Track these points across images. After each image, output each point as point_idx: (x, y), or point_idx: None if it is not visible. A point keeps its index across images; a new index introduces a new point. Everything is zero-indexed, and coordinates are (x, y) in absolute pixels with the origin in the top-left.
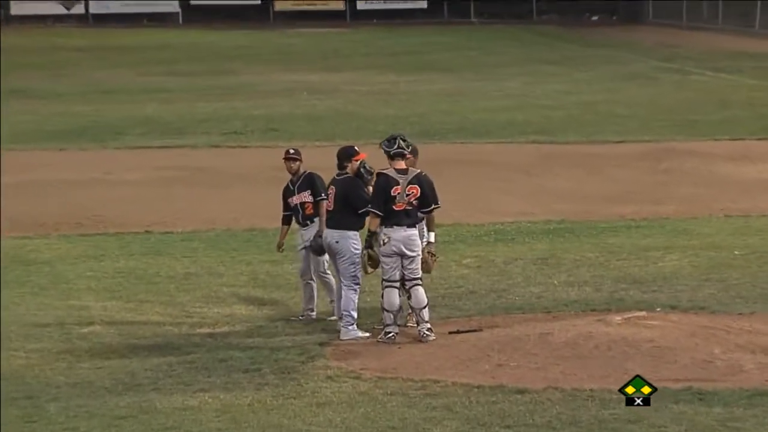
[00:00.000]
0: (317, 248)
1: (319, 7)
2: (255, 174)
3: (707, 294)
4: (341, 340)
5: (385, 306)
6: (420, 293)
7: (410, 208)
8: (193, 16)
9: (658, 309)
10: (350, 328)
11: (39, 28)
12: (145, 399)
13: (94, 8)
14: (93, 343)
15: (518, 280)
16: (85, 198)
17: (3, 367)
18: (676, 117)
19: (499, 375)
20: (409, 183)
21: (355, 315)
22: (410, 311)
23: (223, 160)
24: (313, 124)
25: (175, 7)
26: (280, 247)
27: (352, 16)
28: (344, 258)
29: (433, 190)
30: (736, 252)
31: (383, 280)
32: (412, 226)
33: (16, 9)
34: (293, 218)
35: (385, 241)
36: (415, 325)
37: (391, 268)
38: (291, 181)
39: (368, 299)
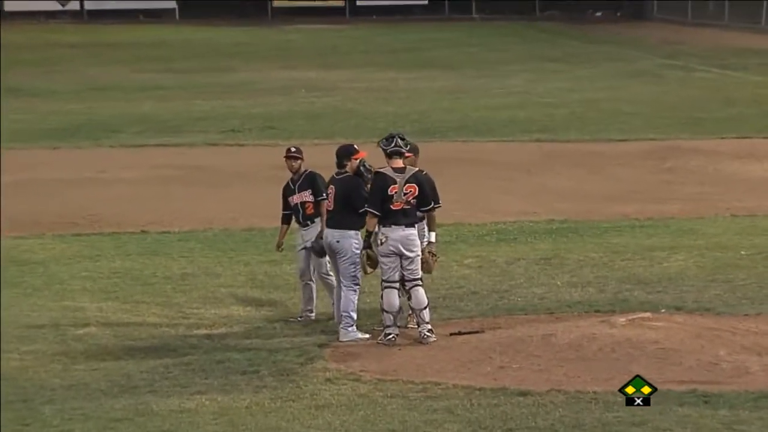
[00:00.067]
0: (319, 250)
1: (318, 3)
2: (253, 173)
3: (713, 295)
4: (340, 341)
5: (385, 307)
6: (420, 294)
7: (408, 207)
8: (189, 12)
9: (663, 310)
10: (350, 329)
11: (32, 24)
12: (141, 401)
13: (89, 4)
14: (88, 345)
15: (520, 280)
16: (80, 197)
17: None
18: (681, 115)
19: (501, 377)
20: (407, 182)
21: (355, 316)
22: (410, 312)
23: (221, 158)
24: (312, 122)
25: (171, 3)
26: (279, 246)
27: (351, 12)
28: (345, 258)
29: (434, 189)
30: (742, 252)
31: (382, 280)
32: (410, 225)
33: (9, 5)
34: (293, 218)
35: (383, 240)
36: (416, 326)
37: (390, 268)
38: (292, 179)
39: (368, 300)
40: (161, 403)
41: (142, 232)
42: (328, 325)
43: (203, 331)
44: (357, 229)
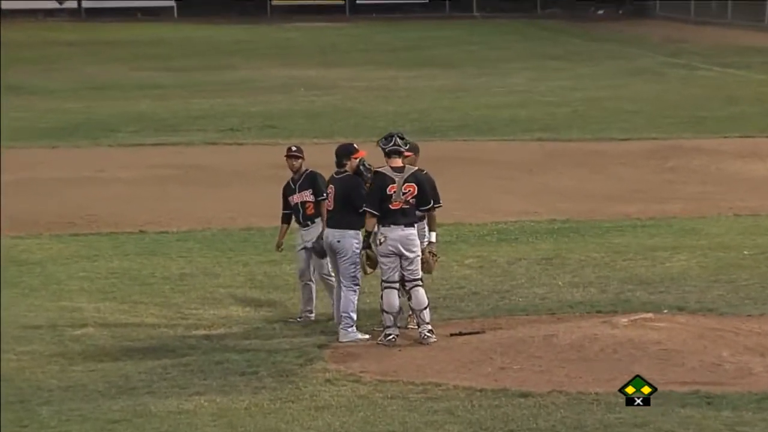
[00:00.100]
0: (320, 251)
1: (318, 1)
2: (252, 172)
3: (716, 295)
4: (340, 342)
5: (385, 307)
6: (420, 294)
7: (407, 206)
8: (187, 9)
9: (666, 310)
10: (349, 330)
11: (30, 22)
12: (139, 402)
13: (86, 2)
14: (86, 346)
15: (522, 280)
16: (78, 197)
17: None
18: (683, 114)
19: (502, 378)
20: (406, 181)
21: (355, 317)
22: (411, 313)
23: (219, 157)
24: (312, 120)
25: (169, 1)
26: (279, 246)
27: (351, 10)
28: (345, 258)
29: (434, 188)
30: (745, 252)
31: (382, 281)
32: (409, 225)
33: (6, 3)
34: (293, 217)
35: (382, 240)
36: (416, 327)
37: (389, 268)
38: (292, 179)
39: (368, 301)
40: (159, 405)
41: (140, 231)
42: (327, 326)
43: (202, 332)
44: (357, 228)
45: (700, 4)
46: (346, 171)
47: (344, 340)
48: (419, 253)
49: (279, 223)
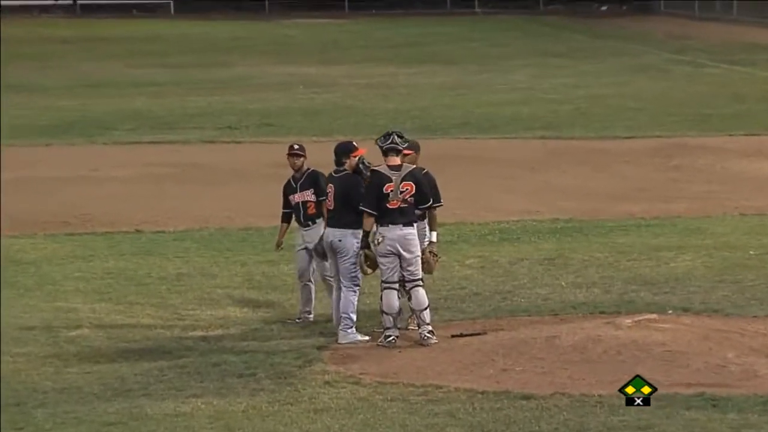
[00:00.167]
0: (322, 252)
1: None
2: (250, 170)
3: (721, 296)
4: (340, 343)
5: (384, 308)
6: (420, 294)
7: (405, 205)
8: (184, 6)
9: (670, 311)
10: (349, 331)
11: (24, 18)
12: (135, 405)
13: None
14: (81, 347)
15: (524, 281)
16: (73, 196)
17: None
18: (688, 111)
19: (504, 380)
20: (403, 180)
21: (354, 318)
22: (411, 314)
23: (217, 155)
24: (310, 118)
25: None
26: (279, 245)
27: (350, 6)
28: (346, 257)
29: (434, 187)
30: (751, 252)
31: (382, 281)
32: (408, 224)
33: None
34: (293, 216)
35: (380, 240)
36: (416, 328)
37: (388, 269)
38: (293, 177)
39: (368, 301)
40: (156, 407)
41: (136, 231)
42: (326, 327)
43: (199, 333)
44: (358, 228)
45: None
46: (345, 169)
47: (343, 342)
48: (419, 253)
49: (278, 222)
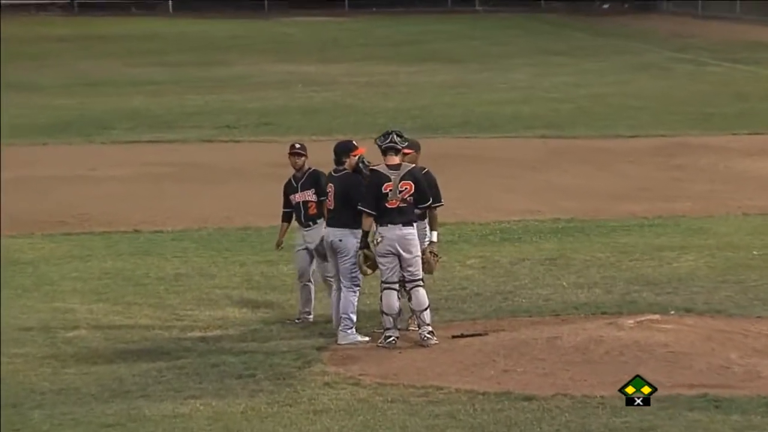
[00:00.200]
0: (323, 253)
1: None
2: (249, 170)
3: (724, 296)
4: (339, 344)
5: (384, 309)
6: (421, 295)
7: (404, 205)
8: (183, 4)
9: (673, 312)
10: (349, 331)
11: (22, 16)
12: (133, 406)
13: None
14: (79, 348)
15: (525, 281)
16: (70, 195)
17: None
18: (691, 110)
19: (505, 381)
20: (402, 179)
21: (354, 318)
22: (411, 314)
23: (215, 155)
24: (309, 117)
25: None
26: (279, 245)
27: (350, 4)
28: (346, 257)
29: (435, 186)
30: (754, 252)
31: (381, 282)
32: (407, 224)
33: None
34: (294, 216)
35: (378, 240)
36: (417, 328)
37: (388, 269)
38: (294, 176)
39: (368, 302)
40: (154, 408)
41: (134, 231)
42: (326, 328)
43: (197, 334)
44: (358, 227)
45: None
46: (345, 169)
47: (343, 342)
48: (418, 253)
49: (276, 222)
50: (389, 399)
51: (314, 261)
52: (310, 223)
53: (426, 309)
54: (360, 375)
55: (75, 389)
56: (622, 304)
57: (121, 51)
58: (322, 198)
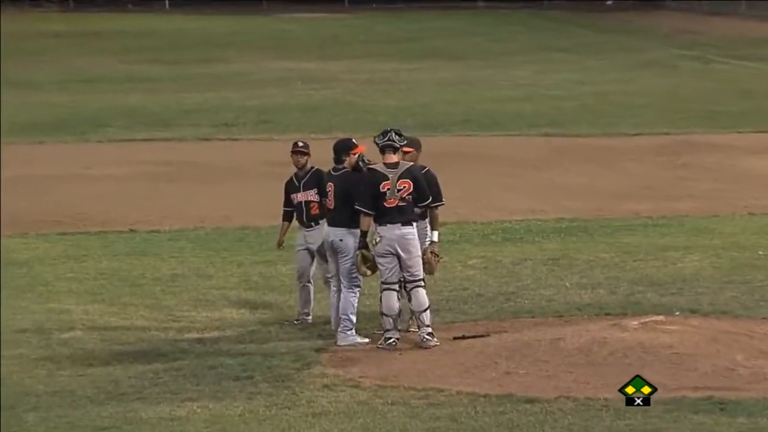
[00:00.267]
0: (325, 254)
1: None
2: (247, 168)
3: (729, 297)
4: (339, 345)
5: (384, 310)
6: (420, 295)
7: (403, 204)
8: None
9: (677, 313)
10: (348, 333)
11: (16, 12)
12: (129, 409)
13: None
14: (74, 350)
15: (527, 282)
16: (65, 194)
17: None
18: (696, 108)
19: (507, 383)
20: (400, 177)
21: (354, 319)
22: (411, 315)
23: (213, 153)
24: (309, 115)
25: None
26: (280, 245)
27: (350, 0)
28: (347, 257)
29: (436, 185)
30: (760, 252)
31: (381, 282)
32: (407, 224)
33: None
34: (295, 215)
35: (377, 240)
36: (417, 329)
37: (387, 269)
38: (296, 175)
39: (368, 303)
40: (150, 411)
41: (130, 231)
42: (325, 329)
43: (194, 335)
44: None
45: None
46: (344, 167)
47: (343, 344)
48: (418, 254)
49: (275, 222)
50: (389, 401)
51: (315, 261)
52: (312, 223)
53: (425, 310)
54: (360, 377)
55: (70, 391)
56: (626, 305)
57: (117, 47)
58: (325, 198)
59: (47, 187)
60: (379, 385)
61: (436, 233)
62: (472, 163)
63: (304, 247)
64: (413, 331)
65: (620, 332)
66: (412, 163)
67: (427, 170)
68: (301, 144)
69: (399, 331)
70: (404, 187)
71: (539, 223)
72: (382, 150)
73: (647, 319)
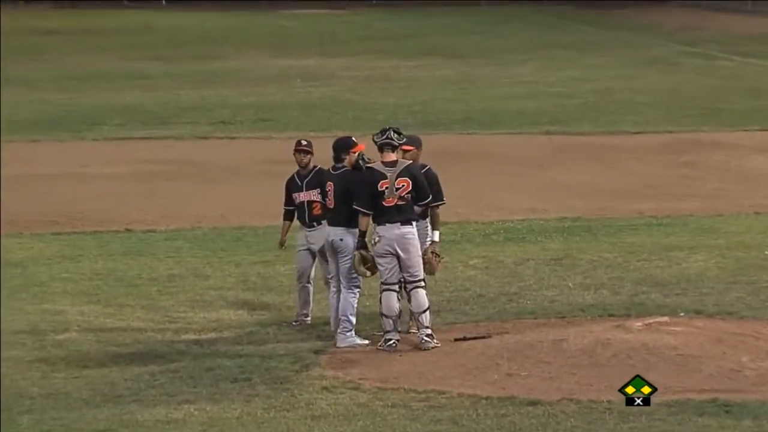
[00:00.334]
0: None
1: None
2: (245, 167)
3: (735, 297)
4: (338, 347)
5: (384, 311)
6: (420, 296)
7: (402, 203)
8: None
9: (682, 314)
10: (348, 334)
11: (10, 9)
12: (125, 411)
13: None
14: (69, 351)
15: (530, 282)
16: (60, 194)
17: None
18: (701, 105)
19: (509, 385)
20: (399, 176)
21: (354, 320)
22: (412, 316)
23: (210, 152)
24: (307, 113)
25: None
26: (282, 244)
27: None
28: (347, 257)
29: (436, 184)
30: (766, 252)
31: (381, 283)
32: (406, 223)
33: None
34: (296, 214)
35: (376, 240)
36: (417, 330)
37: (387, 269)
38: (298, 174)
39: (367, 303)
40: (147, 413)
41: (126, 230)
42: (324, 330)
43: (191, 337)
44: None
45: None
46: (344, 166)
47: (342, 345)
48: (418, 253)
49: (273, 222)
50: (389, 404)
51: (315, 262)
52: (314, 223)
53: (425, 311)
54: (359, 379)
55: (65, 394)
56: (630, 306)
57: (114, 45)
58: (325, 198)
59: (42, 186)
60: (379, 387)
61: (436, 233)
62: (473, 162)
63: (305, 247)
64: (413, 333)
65: (624, 333)
66: (410, 162)
67: (428, 169)
68: (304, 143)
69: (399, 332)
70: (403, 185)
71: (541, 222)
72: (381, 148)
73: (651, 320)
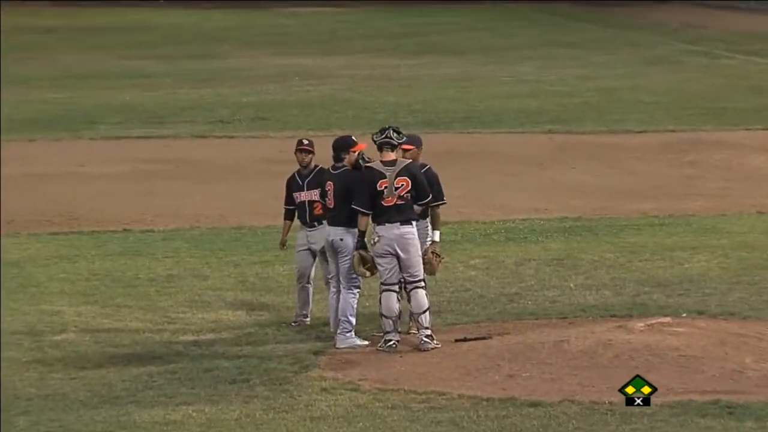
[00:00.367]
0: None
1: None
2: (243, 167)
3: (738, 298)
4: (337, 348)
5: (383, 311)
6: (420, 296)
7: (402, 202)
8: None
9: (684, 314)
10: (348, 335)
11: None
12: (123, 412)
13: None
14: (66, 352)
15: (531, 282)
16: (58, 193)
17: None
18: (704, 104)
19: (510, 387)
20: (398, 175)
21: (353, 321)
22: (411, 316)
23: (209, 151)
24: (307, 112)
25: None
26: (283, 244)
27: None
28: (347, 257)
29: (437, 184)
30: None
31: (380, 283)
32: (406, 223)
33: None
34: (296, 214)
35: (376, 240)
36: (417, 331)
37: (386, 270)
38: (299, 173)
39: (367, 304)
40: (144, 415)
41: (124, 230)
42: (323, 331)
43: (190, 337)
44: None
45: None
46: (344, 165)
47: (342, 346)
48: (418, 253)
49: (273, 222)
50: (389, 405)
51: (315, 262)
52: (315, 223)
53: (425, 312)
54: (359, 380)
55: (62, 395)
56: (632, 307)
57: (111, 43)
58: (324, 197)
59: (39, 185)
60: (379, 389)
61: (437, 233)
62: (474, 161)
63: (305, 247)
64: (413, 333)
65: (626, 334)
66: (410, 161)
67: (428, 168)
68: (306, 142)
69: (399, 333)
70: (402, 185)
71: (543, 222)
72: (380, 147)
73: (653, 321)
